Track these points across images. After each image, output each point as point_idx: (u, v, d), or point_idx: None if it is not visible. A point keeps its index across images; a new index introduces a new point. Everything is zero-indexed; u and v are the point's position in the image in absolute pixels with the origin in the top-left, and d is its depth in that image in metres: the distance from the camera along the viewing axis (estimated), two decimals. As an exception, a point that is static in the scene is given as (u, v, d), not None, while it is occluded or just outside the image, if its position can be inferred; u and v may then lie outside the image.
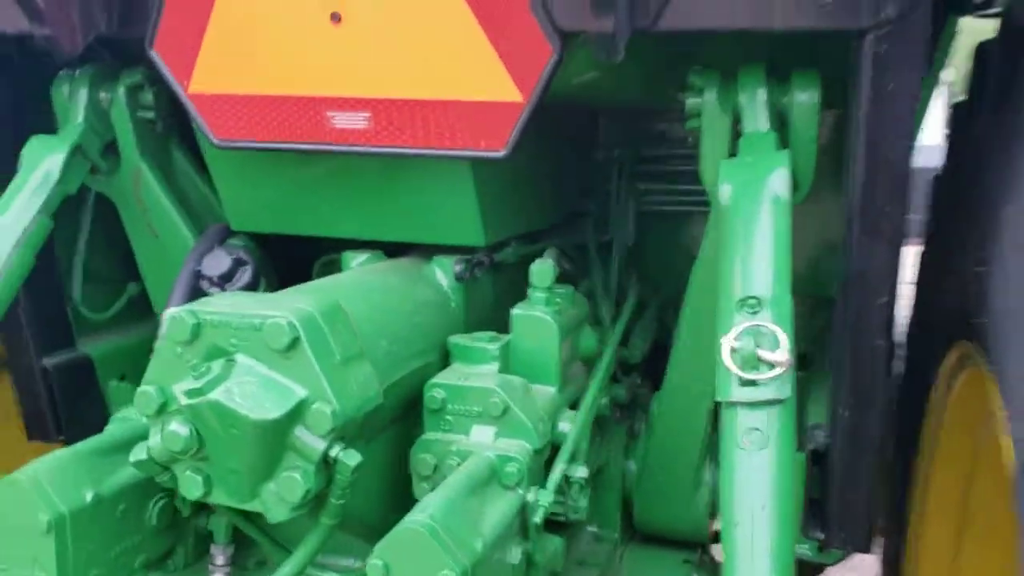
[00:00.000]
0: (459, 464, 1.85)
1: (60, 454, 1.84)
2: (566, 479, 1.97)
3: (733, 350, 1.55)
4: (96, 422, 2.61)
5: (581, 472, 1.99)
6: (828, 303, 2.29)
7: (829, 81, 1.97)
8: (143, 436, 1.85)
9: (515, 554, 1.77)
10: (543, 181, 2.62)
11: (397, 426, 2.02)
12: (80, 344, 2.67)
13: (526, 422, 1.88)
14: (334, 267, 2.55)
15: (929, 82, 2.50)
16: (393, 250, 2.38)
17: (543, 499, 1.82)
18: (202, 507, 2.03)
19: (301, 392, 1.61)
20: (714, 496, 2.48)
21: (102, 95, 2.43)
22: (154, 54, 2.08)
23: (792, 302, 1.63)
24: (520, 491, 1.81)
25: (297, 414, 1.60)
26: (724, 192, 1.83)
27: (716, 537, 2.76)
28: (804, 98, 1.98)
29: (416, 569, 1.52)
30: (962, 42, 2.67)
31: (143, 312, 2.81)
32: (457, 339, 2.09)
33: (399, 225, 2.28)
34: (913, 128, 1.80)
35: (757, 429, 1.51)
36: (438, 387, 1.94)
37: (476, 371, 2.00)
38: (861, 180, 1.81)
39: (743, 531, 1.44)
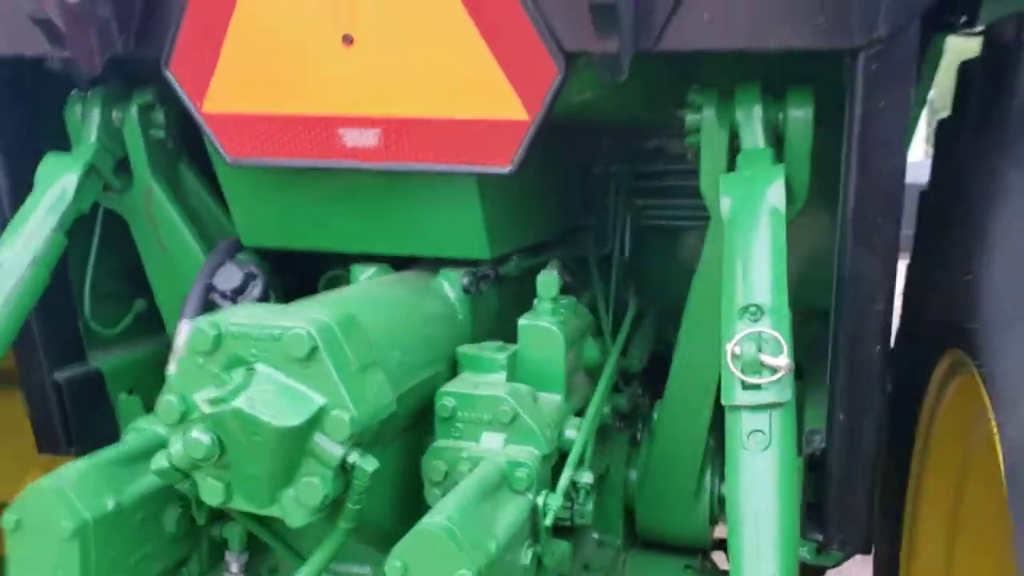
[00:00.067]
0: (470, 470, 1.91)
1: (81, 463, 1.88)
2: (573, 484, 2.03)
3: (736, 356, 1.62)
4: (106, 435, 2.67)
5: (587, 478, 2.05)
6: (819, 314, 2.36)
7: (823, 98, 2.05)
8: (159, 446, 1.91)
9: (526, 556, 1.82)
10: (545, 196, 2.69)
11: (407, 435, 2.08)
12: (91, 358, 2.71)
13: (535, 429, 1.94)
14: (340, 281, 2.62)
15: (917, 99, 2.59)
16: (399, 264, 2.44)
17: (553, 502, 1.88)
18: (217, 516, 2.09)
19: (320, 400, 1.67)
20: (714, 502, 2.54)
21: (114, 115, 2.49)
22: (169, 74, 2.14)
23: (790, 309, 1.70)
24: (530, 495, 1.87)
25: (316, 421, 1.66)
26: (724, 205, 1.90)
27: (717, 544, 2.82)
28: (799, 115, 2.05)
29: (433, 569, 1.58)
30: (944, 60, 2.77)
31: (151, 327, 2.86)
32: (465, 349, 2.16)
33: (407, 239, 2.34)
34: (904, 142, 1.87)
35: (760, 431, 1.58)
36: (449, 395, 2.00)
37: (485, 380, 2.06)
38: (855, 193, 1.88)
39: (749, 527, 1.51)
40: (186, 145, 2.62)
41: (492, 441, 1.96)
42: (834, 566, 2.62)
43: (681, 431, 2.46)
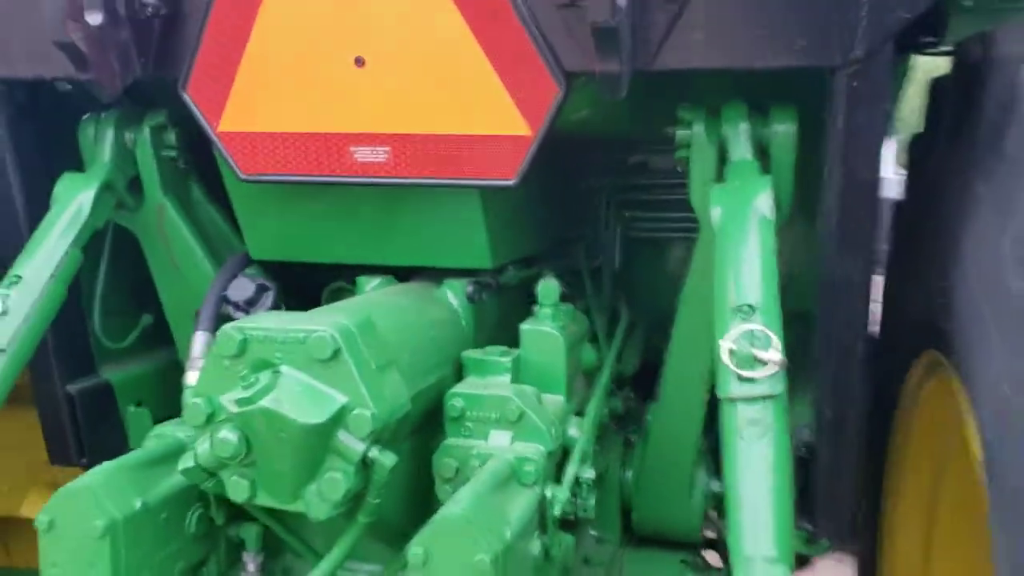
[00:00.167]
0: (480, 466, 2.01)
1: (108, 466, 1.97)
2: (576, 480, 2.14)
3: (731, 351, 1.74)
4: (115, 447, 2.74)
5: (590, 473, 2.16)
6: (799, 317, 2.49)
7: (804, 114, 2.19)
8: (179, 450, 2.01)
9: (535, 546, 1.92)
10: (540, 209, 2.82)
11: (416, 436, 2.18)
12: (101, 371, 2.79)
13: (540, 426, 2.05)
14: (343, 293, 2.72)
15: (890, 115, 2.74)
16: (401, 275, 2.55)
17: (560, 495, 1.99)
18: (234, 517, 2.18)
19: (342, 399, 1.77)
20: (707, 498, 2.66)
21: (126, 136, 2.59)
22: (186, 95, 2.25)
23: (780, 308, 1.82)
24: (537, 489, 1.98)
25: (339, 419, 1.76)
26: (715, 214, 2.03)
27: (708, 543, 2.94)
28: (782, 129, 2.19)
29: (453, 555, 1.67)
30: (911, 78, 2.92)
31: (157, 342, 2.95)
32: (470, 353, 2.27)
33: (412, 251, 2.46)
34: (880, 154, 2.01)
35: (755, 421, 1.69)
36: (458, 396, 2.11)
37: (491, 382, 2.17)
38: (837, 201, 2.02)
39: (748, 511, 1.61)
40: (195, 164, 2.72)
41: (500, 439, 2.06)
42: (821, 555, 2.73)
43: (674, 431, 2.58)
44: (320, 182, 2.26)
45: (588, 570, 2.52)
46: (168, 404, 2.76)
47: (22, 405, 2.72)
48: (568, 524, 2.16)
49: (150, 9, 2.16)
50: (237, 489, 1.82)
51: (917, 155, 2.57)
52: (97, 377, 2.77)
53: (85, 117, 2.61)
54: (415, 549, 1.69)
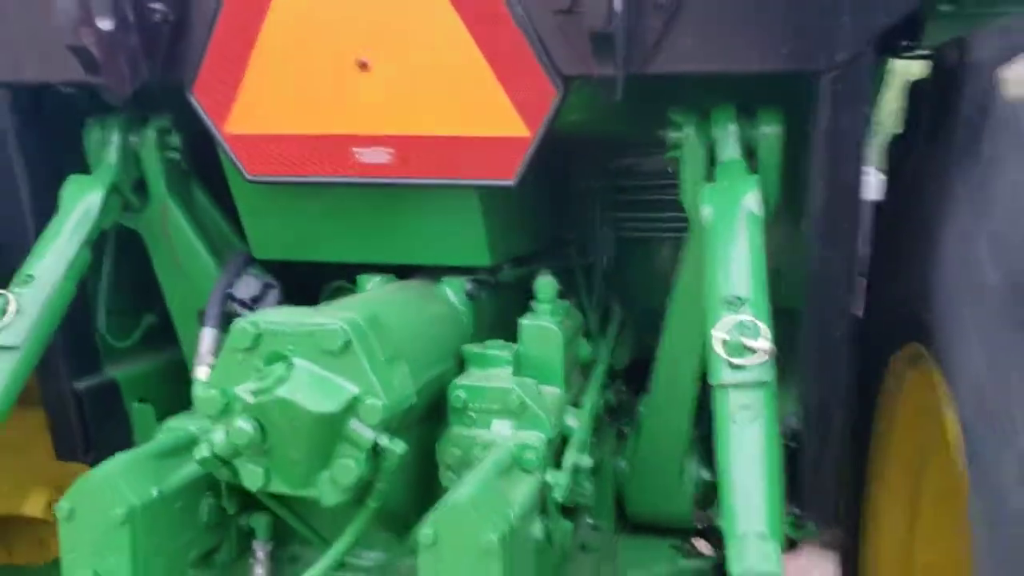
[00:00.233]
0: (483, 454, 2.09)
1: (124, 457, 2.03)
2: (574, 467, 2.23)
3: (723, 341, 1.83)
4: (121, 443, 2.80)
5: (587, 461, 2.25)
6: (784, 313, 2.58)
7: (790, 115, 2.29)
8: (190, 442, 2.08)
9: (537, 529, 2.01)
10: (535, 210, 2.91)
11: (417, 428, 2.26)
12: (107, 369, 2.85)
13: (541, 415, 2.14)
14: (342, 292, 2.80)
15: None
16: (400, 274, 2.63)
17: (560, 480, 2.08)
18: (245, 507, 2.25)
19: (353, 388, 1.85)
20: (697, 486, 2.76)
21: (131, 138, 2.65)
22: (193, 98, 2.32)
23: (768, 300, 1.92)
24: (538, 475, 2.07)
25: (351, 408, 1.84)
26: (706, 212, 2.12)
27: (697, 532, 3.04)
28: (769, 131, 2.28)
29: (462, 535, 1.75)
30: (889, 81, 3.02)
31: (160, 340, 3.02)
32: (471, 348, 2.35)
33: (412, 249, 2.54)
34: (863, 153, 2.11)
35: (746, 406, 1.78)
36: (461, 388, 2.19)
37: (493, 374, 2.26)
38: (821, 198, 2.11)
39: (740, 491, 1.70)
40: (197, 166, 2.79)
41: (502, 428, 2.15)
42: (807, 539, 2.83)
43: (665, 422, 2.67)
44: (324, 183, 2.33)
45: (584, 556, 2.61)
46: (172, 400, 2.82)
47: (24, 405, 2.77)
48: (567, 511, 2.25)
49: (158, 15, 2.23)
50: (252, 477, 1.90)
51: (896, 156, 2.66)
52: (103, 375, 2.83)
53: (90, 121, 2.67)
54: (425, 530, 1.77)
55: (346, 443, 1.86)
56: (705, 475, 2.78)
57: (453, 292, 2.54)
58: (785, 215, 2.36)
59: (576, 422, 2.30)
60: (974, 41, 2.02)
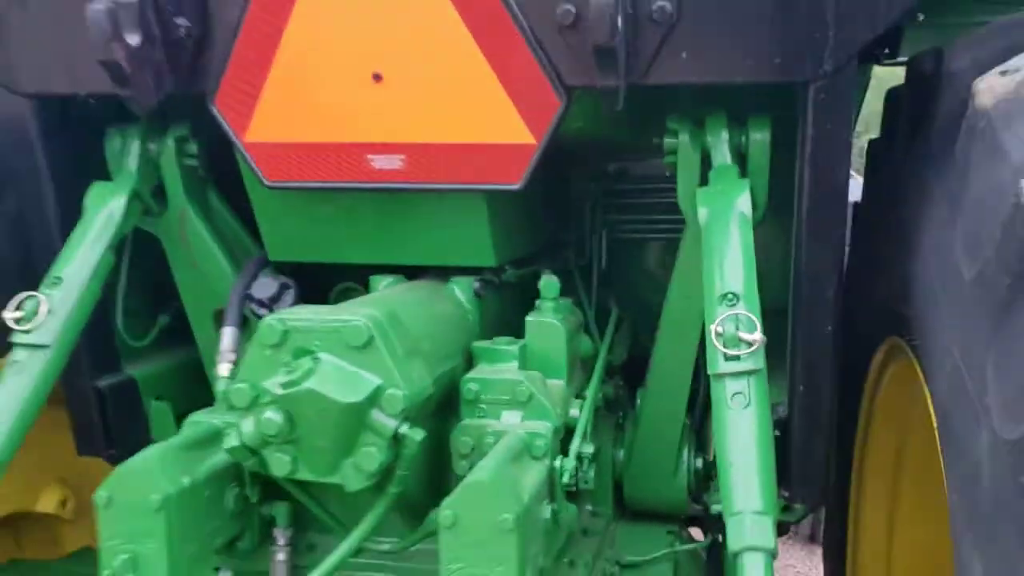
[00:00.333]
0: (494, 443, 2.23)
1: (156, 449, 2.15)
2: (578, 455, 2.36)
3: (719, 333, 1.97)
4: (139, 438, 2.92)
5: (589, 448, 2.39)
6: (773, 312, 2.71)
7: (779, 122, 2.43)
8: (215, 435, 2.21)
9: (546, 511, 2.14)
10: (537, 213, 3.05)
11: (430, 420, 2.39)
12: (126, 367, 2.96)
13: (547, 406, 2.28)
14: (351, 293, 2.93)
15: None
16: (408, 275, 2.76)
17: (567, 465, 2.21)
18: (267, 496, 2.37)
19: (376, 380, 1.98)
20: (692, 474, 2.90)
21: (151, 146, 2.77)
22: (215, 109, 2.44)
23: (759, 294, 2.06)
24: (547, 461, 2.20)
25: (374, 398, 1.97)
26: (702, 214, 2.26)
27: (691, 520, 3.19)
28: (758, 137, 2.43)
29: (480, 515, 1.89)
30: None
31: (175, 340, 3.13)
32: (480, 344, 2.49)
33: (421, 250, 2.67)
34: (848, 157, 2.25)
35: (740, 393, 1.92)
36: (473, 381, 2.33)
37: (501, 368, 2.40)
38: (809, 199, 2.26)
39: (736, 471, 1.83)
40: (214, 172, 2.91)
41: (511, 418, 2.29)
42: (796, 522, 2.97)
43: (661, 414, 2.81)
44: (340, 188, 2.46)
45: (585, 540, 2.75)
46: (187, 397, 2.94)
47: None
48: (571, 496, 2.38)
49: (183, 30, 2.35)
50: (279, 465, 2.02)
51: (875, 159, 2.80)
52: (122, 373, 2.94)
53: (111, 130, 2.78)
54: (445, 511, 1.90)
55: (369, 432, 1.99)
56: (699, 463, 2.92)
57: (461, 291, 2.68)
58: (773, 217, 2.50)
59: (579, 412, 2.43)
60: (949, 51, 2.15)
